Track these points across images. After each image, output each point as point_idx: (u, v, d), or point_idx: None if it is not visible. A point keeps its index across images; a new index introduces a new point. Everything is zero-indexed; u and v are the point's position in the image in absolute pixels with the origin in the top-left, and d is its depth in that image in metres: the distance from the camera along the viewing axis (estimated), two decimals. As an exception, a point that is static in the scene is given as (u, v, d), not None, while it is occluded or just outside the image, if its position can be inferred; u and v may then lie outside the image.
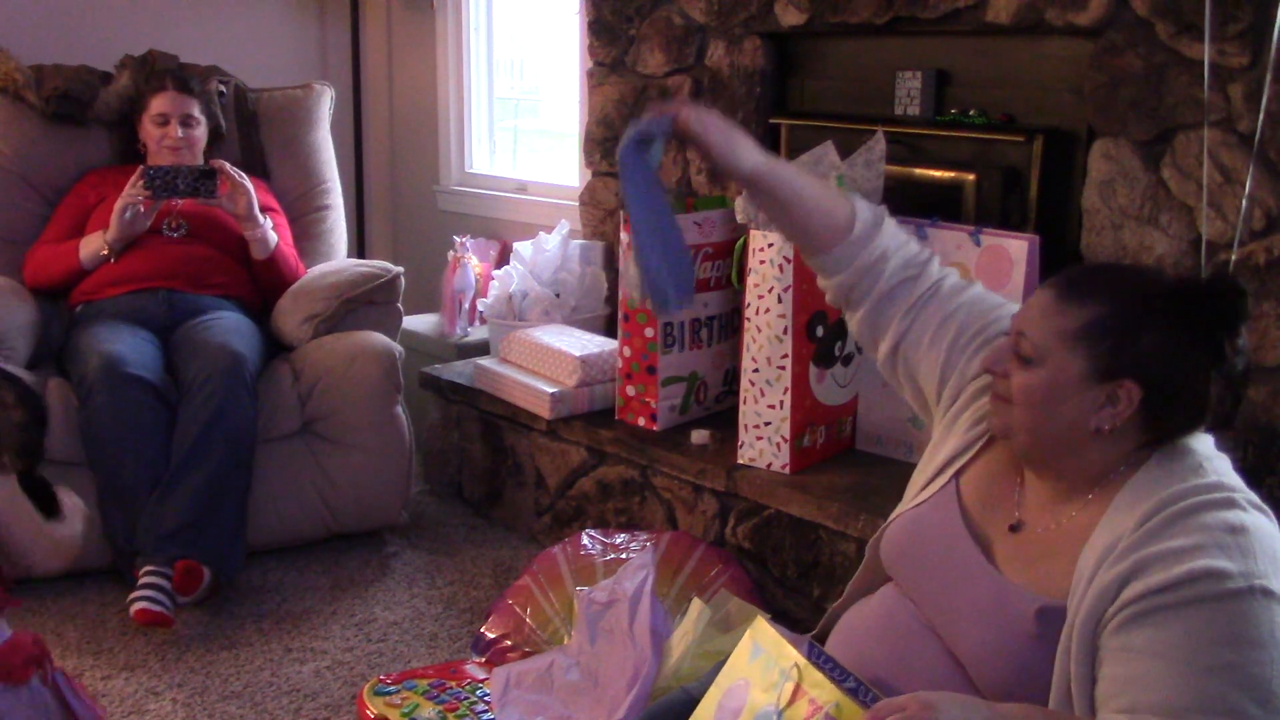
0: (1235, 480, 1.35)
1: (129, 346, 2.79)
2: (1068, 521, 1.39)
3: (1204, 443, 1.38)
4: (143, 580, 2.54)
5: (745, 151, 1.56)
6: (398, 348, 3.04)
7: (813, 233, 1.62)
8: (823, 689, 1.28)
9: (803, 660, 1.32)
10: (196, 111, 3.17)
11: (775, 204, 1.61)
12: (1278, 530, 1.31)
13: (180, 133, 3.12)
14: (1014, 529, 1.43)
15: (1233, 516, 1.27)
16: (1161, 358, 1.32)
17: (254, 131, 3.48)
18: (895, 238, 1.63)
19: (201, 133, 3.20)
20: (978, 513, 1.47)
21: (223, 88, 3.42)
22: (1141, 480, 1.34)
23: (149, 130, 3.14)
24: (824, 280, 1.67)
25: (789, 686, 1.31)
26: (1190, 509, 1.28)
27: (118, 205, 2.96)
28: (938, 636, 1.43)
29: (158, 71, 3.25)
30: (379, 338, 3.03)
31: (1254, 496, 1.33)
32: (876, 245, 1.60)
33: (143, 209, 2.97)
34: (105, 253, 2.99)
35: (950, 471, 1.52)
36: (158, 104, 3.13)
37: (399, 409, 3.01)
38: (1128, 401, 1.32)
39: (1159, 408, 1.33)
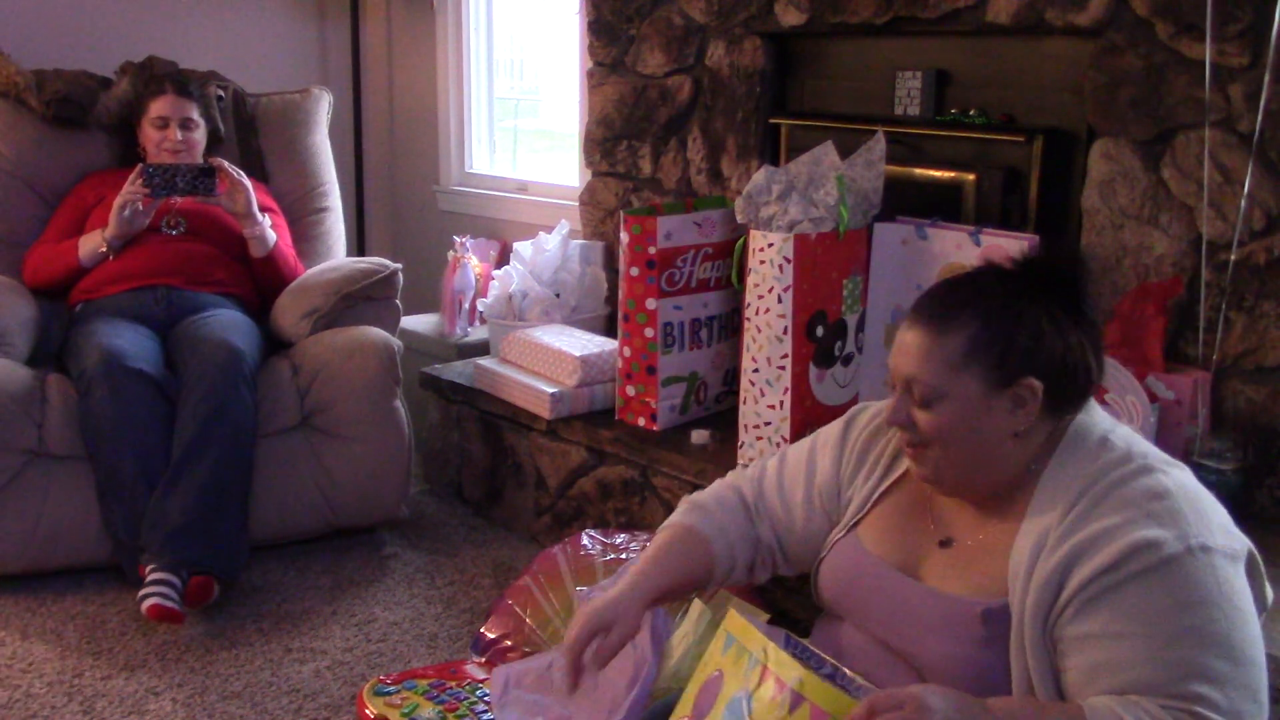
0: (1144, 445, 1.39)
1: (129, 341, 2.79)
2: (995, 526, 1.42)
3: (1100, 416, 1.43)
4: (152, 578, 2.54)
5: (633, 606, 1.60)
6: (396, 341, 3.04)
7: (708, 586, 1.73)
8: (789, 668, 1.28)
9: (771, 644, 1.32)
10: (195, 114, 3.18)
11: (673, 597, 1.70)
12: (1197, 482, 1.35)
13: (179, 135, 3.13)
14: (944, 545, 1.46)
15: (1153, 482, 1.31)
16: (1043, 345, 1.37)
17: (252, 136, 3.49)
18: (735, 524, 1.70)
19: (200, 135, 3.20)
20: (890, 550, 1.50)
21: (221, 92, 3.43)
22: (1056, 469, 1.38)
23: (148, 133, 3.15)
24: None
25: (757, 670, 1.31)
26: (1111, 485, 1.32)
27: (117, 202, 2.97)
28: (894, 652, 1.45)
29: (157, 76, 3.26)
30: (378, 332, 3.03)
31: (1165, 455, 1.37)
32: (738, 554, 1.69)
33: (142, 206, 2.98)
34: (104, 250, 3.00)
35: (847, 527, 1.58)
36: (157, 107, 3.14)
37: (398, 402, 3.01)
38: (1032, 396, 1.37)
39: (1058, 390, 1.38)
